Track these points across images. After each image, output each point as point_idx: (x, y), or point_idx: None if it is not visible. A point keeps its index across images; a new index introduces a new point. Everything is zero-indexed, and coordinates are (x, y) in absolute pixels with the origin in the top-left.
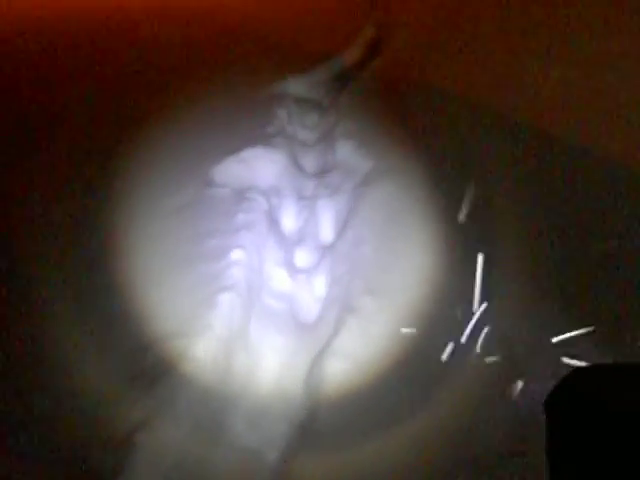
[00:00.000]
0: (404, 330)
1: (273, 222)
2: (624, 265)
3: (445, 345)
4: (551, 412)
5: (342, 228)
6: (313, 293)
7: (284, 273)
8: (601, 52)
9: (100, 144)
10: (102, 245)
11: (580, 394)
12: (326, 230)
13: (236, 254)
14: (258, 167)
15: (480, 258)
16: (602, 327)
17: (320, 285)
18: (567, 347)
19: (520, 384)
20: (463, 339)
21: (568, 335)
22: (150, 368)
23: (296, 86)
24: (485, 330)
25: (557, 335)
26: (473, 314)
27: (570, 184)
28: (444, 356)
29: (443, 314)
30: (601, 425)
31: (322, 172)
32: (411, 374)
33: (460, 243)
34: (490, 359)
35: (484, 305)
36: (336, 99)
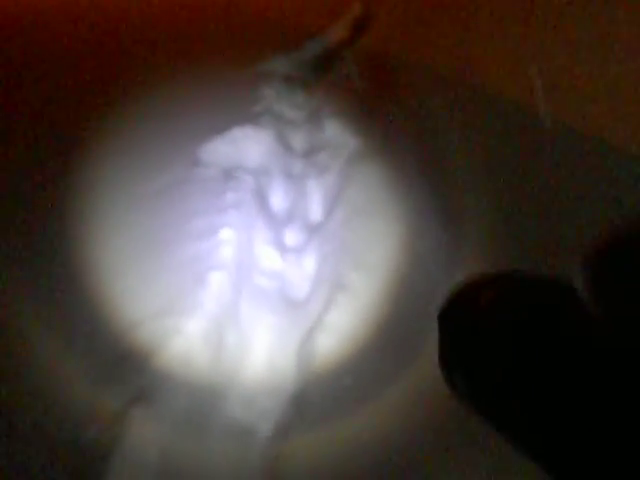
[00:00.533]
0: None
1: (262, 201)
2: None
3: (432, 319)
4: (444, 324)
5: (331, 207)
6: (303, 271)
7: (274, 252)
8: (601, 34)
9: (85, 121)
10: (88, 225)
11: (475, 305)
12: (315, 209)
13: (225, 233)
14: (245, 146)
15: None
16: None
17: (310, 263)
18: None
19: None
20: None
21: None
22: (140, 346)
23: (283, 64)
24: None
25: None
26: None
27: (564, 168)
28: (431, 330)
29: (429, 290)
30: (496, 338)
31: (310, 151)
32: (399, 348)
33: (447, 221)
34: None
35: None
36: (324, 77)
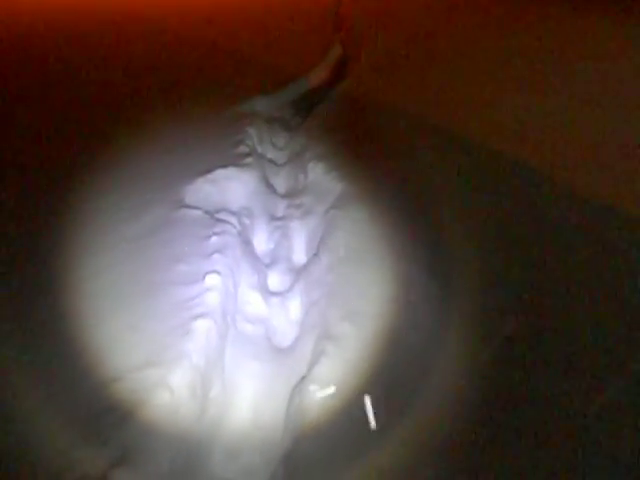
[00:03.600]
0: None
1: (246, 244)
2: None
3: (421, 370)
4: None
5: (315, 251)
6: (288, 317)
7: (258, 297)
8: (556, 76)
9: (68, 165)
10: (70, 271)
11: None
12: (299, 252)
13: (211, 279)
14: (229, 188)
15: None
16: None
17: (295, 309)
18: None
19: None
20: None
21: None
22: (123, 400)
23: (265, 105)
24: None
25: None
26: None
27: (528, 204)
28: (420, 382)
29: (419, 339)
30: None
31: (293, 193)
32: (390, 401)
33: (432, 264)
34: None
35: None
36: (305, 118)
